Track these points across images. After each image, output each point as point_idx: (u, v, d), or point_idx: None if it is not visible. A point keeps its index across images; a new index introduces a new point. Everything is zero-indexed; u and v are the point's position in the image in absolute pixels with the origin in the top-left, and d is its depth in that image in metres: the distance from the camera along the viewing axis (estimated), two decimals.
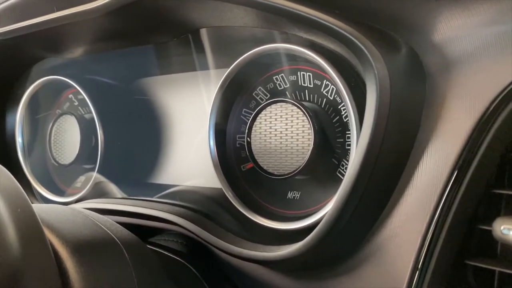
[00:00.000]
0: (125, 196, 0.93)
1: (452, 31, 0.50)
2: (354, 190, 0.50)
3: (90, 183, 0.91)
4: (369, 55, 0.47)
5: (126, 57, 0.89)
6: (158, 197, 0.88)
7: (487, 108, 0.46)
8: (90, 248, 0.54)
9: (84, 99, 0.94)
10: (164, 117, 0.96)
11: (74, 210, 0.67)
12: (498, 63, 0.47)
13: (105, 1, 0.57)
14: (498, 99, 0.45)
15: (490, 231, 0.49)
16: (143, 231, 0.75)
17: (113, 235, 0.63)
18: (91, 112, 0.93)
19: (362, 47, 0.48)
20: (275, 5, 0.51)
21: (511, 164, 0.49)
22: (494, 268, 0.48)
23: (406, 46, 0.51)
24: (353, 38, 0.48)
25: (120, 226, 0.66)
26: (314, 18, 0.50)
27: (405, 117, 0.50)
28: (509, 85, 0.45)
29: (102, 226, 0.64)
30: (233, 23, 0.62)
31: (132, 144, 0.97)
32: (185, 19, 0.63)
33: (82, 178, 0.98)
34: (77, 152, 0.93)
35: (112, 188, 0.93)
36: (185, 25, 0.65)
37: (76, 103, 1.00)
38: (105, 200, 0.83)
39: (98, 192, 0.93)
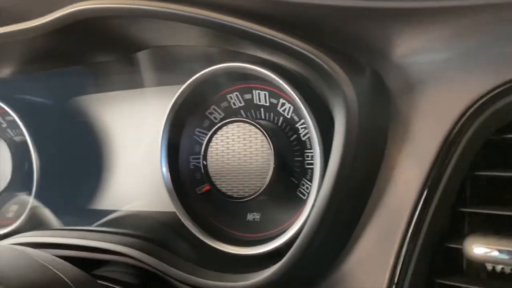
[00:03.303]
0: (65, 225, 0.85)
1: (412, 52, 0.51)
2: (326, 215, 0.49)
3: (26, 212, 0.83)
4: (337, 79, 0.47)
5: (61, 74, 0.82)
6: (104, 225, 0.82)
7: (452, 128, 0.47)
8: None
9: (14, 120, 0.85)
10: (105, 137, 0.90)
11: (14, 250, 0.60)
12: (460, 82, 0.48)
13: (48, 20, 0.51)
14: (463, 119, 0.47)
15: (456, 249, 0.50)
16: (87, 263, 0.69)
17: (62, 275, 0.58)
18: (22, 135, 0.85)
19: (330, 71, 0.47)
20: (239, 27, 0.49)
21: (472, 182, 0.51)
22: (462, 285, 0.49)
23: (369, 68, 0.51)
24: (321, 62, 0.47)
25: (68, 264, 0.61)
26: (280, 41, 0.48)
27: (372, 139, 0.50)
28: (472, 104, 0.47)
29: (49, 266, 0.58)
30: (187, 43, 0.59)
31: (71, 167, 0.90)
32: (135, 38, 0.59)
33: (14, 208, 0.89)
34: (8, 179, 0.84)
35: (50, 217, 0.86)
36: (134, 44, 0.60)
37: (5, 125, 0.91)
38: (44, 233, 0.76)
39: (34, 222, 0.85)
